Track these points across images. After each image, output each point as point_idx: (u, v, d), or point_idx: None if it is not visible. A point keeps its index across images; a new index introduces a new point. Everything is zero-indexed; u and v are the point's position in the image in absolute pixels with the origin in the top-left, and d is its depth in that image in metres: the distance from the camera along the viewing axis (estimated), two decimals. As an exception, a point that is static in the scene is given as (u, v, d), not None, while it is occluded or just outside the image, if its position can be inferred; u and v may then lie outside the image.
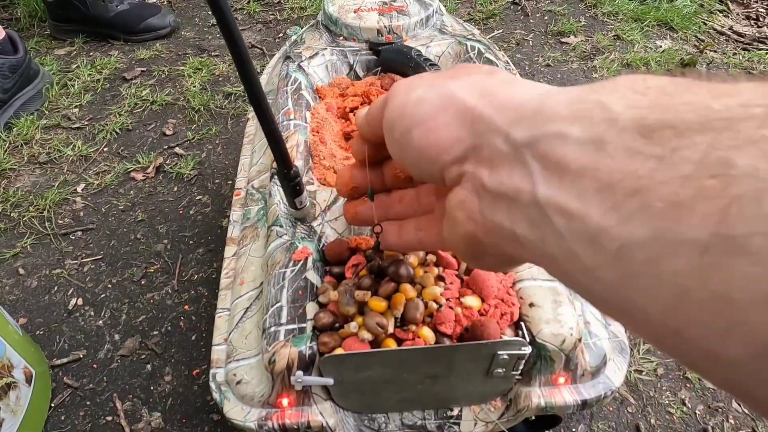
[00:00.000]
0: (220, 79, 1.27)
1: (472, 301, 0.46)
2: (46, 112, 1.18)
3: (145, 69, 1.31)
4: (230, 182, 1.01)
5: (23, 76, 1.17)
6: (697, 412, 0.69)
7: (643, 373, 0.72)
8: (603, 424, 0.67)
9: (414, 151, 0.24)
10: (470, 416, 0.50)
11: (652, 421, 0.68)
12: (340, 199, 0.55)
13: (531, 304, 0.46)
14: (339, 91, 0.69)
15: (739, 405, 0.69)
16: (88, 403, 0.70)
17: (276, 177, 0.57)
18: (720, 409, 0.69)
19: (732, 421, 0.68)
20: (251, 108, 0.81)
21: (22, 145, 1.09)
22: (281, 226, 0.53)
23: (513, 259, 0.23)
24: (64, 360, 0.74)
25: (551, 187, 0.18)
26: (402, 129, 0.24)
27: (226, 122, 1.14)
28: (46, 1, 1.39)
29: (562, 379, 0.47)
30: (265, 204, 0.59)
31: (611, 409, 0.69)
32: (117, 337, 0.78)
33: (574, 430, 0.67)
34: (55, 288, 0.84)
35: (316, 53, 0.72)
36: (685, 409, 0.69)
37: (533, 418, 0.51)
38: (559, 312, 0.45)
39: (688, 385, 0.71)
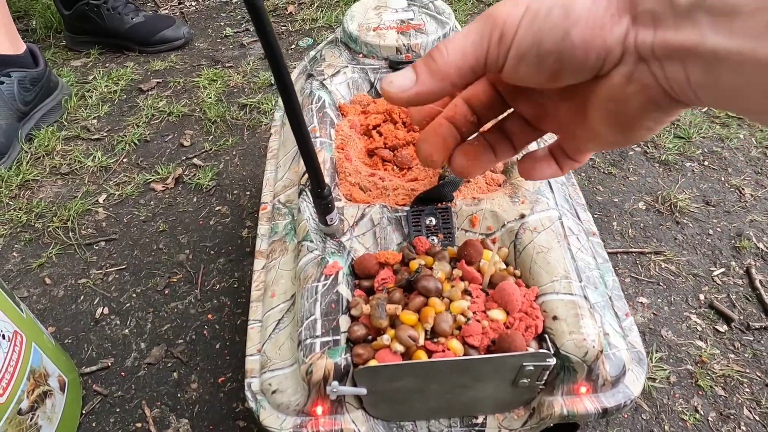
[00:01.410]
0: (235, 90, 1.29)
1: (498, 314, 0.48)
2: (66, 124, 1.21)
3: (160, 80, 1.33)
4: (248, 193, 1.03)
5: (43, 88, 1.20)
6: (709, 419, 0.70)
7: (657, 381, 0.74)
8: (618, 430, 0.69)
9: (570, 54, 0.23)
10: (494, 424, 0.52)
11: (666, 428, 0.70)
12: (367, 214, 0.57)
13: (554, 317, 0.48)
14: (361, 108, 0.71)
15: (751, 412, 0.71)
16: (117, 410, 0.73)
17: (305, 193, 0.59)
18: (732, 416, 0.71)
19: (744, 428, 0.70)
20: (272, 122, 0.83)
21: (43, 156, 1.12)
22: (311, 242, 0.55)
23: (674, 112, 0.23)
24: (93, 368, 0.77)
25: (720, 34, 0.19)
26: (555, 38, 0.23)
27: (242, 133, 1.17)
28: (63, 13, 1.42)
29: (583, 389, 0.49)
30: (293, 218, 0.61)
31: (626, 416, 0.71)
32: (143, 345, 0.80)
33: (589, 436, 0.69)
34: (81, 297, 0.86)
35: (338, 71, 0.74)
36: (697, 416, 0.71)
37: (552, 425, 0.53)
38: (581, 325, 0.47)
39: (700, 392, 0.73)
